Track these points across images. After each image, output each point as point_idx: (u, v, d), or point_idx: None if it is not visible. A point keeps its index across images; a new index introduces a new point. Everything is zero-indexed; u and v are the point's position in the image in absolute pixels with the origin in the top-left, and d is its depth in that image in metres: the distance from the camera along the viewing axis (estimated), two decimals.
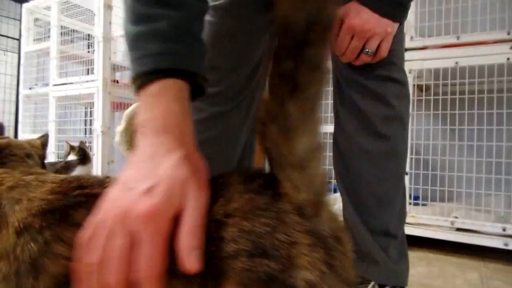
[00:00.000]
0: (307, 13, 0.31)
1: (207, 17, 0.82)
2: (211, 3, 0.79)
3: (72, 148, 1.75)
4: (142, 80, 0.42)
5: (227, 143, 0.83)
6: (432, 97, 1.40)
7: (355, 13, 0.68)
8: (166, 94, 0.41)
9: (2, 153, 0.48)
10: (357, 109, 0.78)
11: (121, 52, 2.99)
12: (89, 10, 2.85)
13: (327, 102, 1.62)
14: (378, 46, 0.70)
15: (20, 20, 3.24)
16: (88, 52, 2.71)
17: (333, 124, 0.87)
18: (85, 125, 3.04)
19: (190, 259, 0.30)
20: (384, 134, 0.78)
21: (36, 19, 2.85)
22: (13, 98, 3.83)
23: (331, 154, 1.57)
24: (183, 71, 0.43)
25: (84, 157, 1.77)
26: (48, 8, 2.70)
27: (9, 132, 3.98)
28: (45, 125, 2.82)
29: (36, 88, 2.69)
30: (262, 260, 0.29)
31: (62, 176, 0.41)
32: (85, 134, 3.00)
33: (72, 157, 1.74)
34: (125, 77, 2.77)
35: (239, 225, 0.31)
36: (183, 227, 0.32)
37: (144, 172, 0.35)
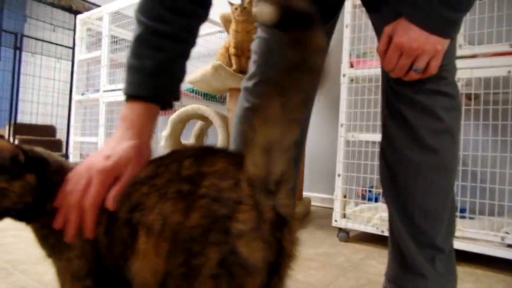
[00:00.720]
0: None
1: (261, 34, 0.87)
2: None
3: None
4: (126, 98, 0.63)
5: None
6: (481, 107, 1.35)
7: (403, 31, 0.67)
8: (134, 107, 0.62)
9: None
10: (406, 122, 0.78)
11: None
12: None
13: (370, 111, 1.62)
14: (428, 64, 0.69)
15: (74, 30, 3.48)
16: None
17: (380, 135, 0.87)
18: None
19: (108, 201, 0.52)
20: (432, 147, 0.77)
21: (88, 29, 3.05)
22: (66, 103, 4.10)
23: (371, 163, 1.57)
24: (148, 97, 0.62)
25: None
26: (100, 18, 2.88)
27: (61, 135, 4.26)
28: (95, 129, 3.00)
29: (87, 94, 2.87)
30: (218, 204, 0.43)
31: None
32: None
33: None
34: None
35: (212, 179, 0.45)
36: (115, 184, 0.53)
37: (110, 147, 0.58)
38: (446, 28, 0.67)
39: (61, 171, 0.58)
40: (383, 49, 0.72)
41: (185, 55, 0.68)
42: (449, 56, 0.73)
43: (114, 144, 0.58)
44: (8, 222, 1.78)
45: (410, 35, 0.66)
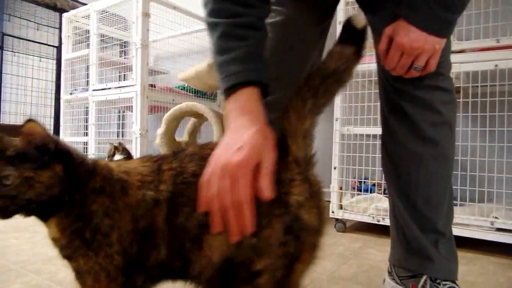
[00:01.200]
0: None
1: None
2: (268, 21, 0.86)
3: (116, 148, 1.85)
4: (228, 91, 0.63)
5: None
6: (470, 100, 1.42)
7: (404, 32, 0.72)
8: (244, 94, 0.62)
9: None
10: (406, 116, 0.83)
11: (152, 57, 3.12)
12: (123, 17, 2.98)
13: (363, 105, 1.67)
14: (427, 62, 0.74)
15: (59, 28, 3.41)
16: (125, 58, 2.84)
17: (381, 129, 0.92)
18: (118, 128, 3.18)
19: (266, 191, 0.51)
20: (433, 138, 0.82)
21: (74, 28, 3.00)
22: (50, 102, 4.01)
23: (366, 155, 1.63)
24: (255, 81, 0.63)
25: (128, 155, 1.87)
26: (86, 17, 2.84)
27: None
28: (83, 128, 2.96)
29: (76, 93, 2.83)
30: (278, 186, 0.52)
31: None
32: (117, 136, 3.14)
33: (118, 156, 1.84)
34: (157, 81, 2.88)
35: None
36: (261, 172, 0.53)
37: (235, 138, 0.56)
38: (444, 28, 0.72)
39: (83, 164, 0.55)
40: (384, 49, 0.76)
41: (264, 42, 0.70)
42: (445, 54, 0.79)
43: (238, 135, 0.56)
44: (7, 224, 1.77)
45: (410, 36, 0.71)
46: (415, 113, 0.82)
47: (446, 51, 0.79)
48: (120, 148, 1.84)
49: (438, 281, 0.82)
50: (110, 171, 0.57)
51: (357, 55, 0.60)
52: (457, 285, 0.82)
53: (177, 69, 2.97)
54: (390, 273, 0.92)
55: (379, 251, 1.37)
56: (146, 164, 0.59)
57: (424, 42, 0.71)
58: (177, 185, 0.54)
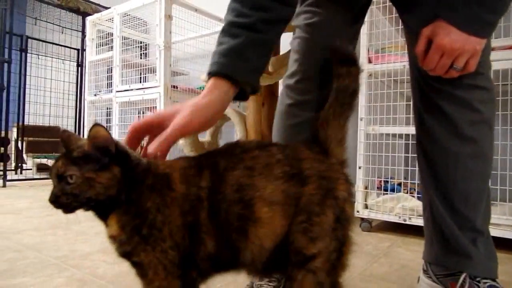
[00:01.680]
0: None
1: (302, 34, 0.92)
2: (304, 22, 0.88)
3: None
4: (209, 75, 0.69)
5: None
6: (500, 98, 1.41)
7: (444, 33, 0.72)
8: (210, 82, 0.68)
9: None
10: (444, 115, 0.83)
11: (172, 58, 3.16)
12: (143, 20, 3.04)
13: (389, 105, 1.67)
14: (467, 62, 0.74)
15: (82, 31, 3.49)
16: (147, 60, 2.89)
17: (415, 128, 0.93)
18: None
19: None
20: (471, 137, 0.82)
21: (98, 31, 3.07)
22: (72, 103, 4.11)
23: (392, 154, 1.63)
24: (222, 73, 0.68)
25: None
26: (110, 20, 2.91)
27: None
28: (110, 129, 3.02)
29: (100, 95, 2.89)
30: (325, 180, 0.59)
31: None
32: None
33: None
34: (176, 82, 2.92)
35: (311, 163, 0.60)
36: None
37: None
38: (485, 29, 0.72)
39: (140, 165, 0.57)
40: (422, 50, 0.76)
41: (260, 44, 0.73)
42: (485, 54, 0.78)
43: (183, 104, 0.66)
44: (42, 221, 1.84)
45: (451, 37, 0.71)
46: (454, 111, 0.82)
47: (487, 51, 0.79)
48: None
49: (478, 279, 0.82)
50: (157, 168, 0.59)
51: (359, 72, 0.72)
52: (497, 283, 0.82)
53: (196, 70, 3.02)
54: (425, 272, 0.92)
55: (408, 251, 1.37)
56: (186, 160, 0.61)
57: (465, 43, 0.71)
58: (214, 181, 0.57)
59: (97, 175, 0.53)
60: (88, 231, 1.51)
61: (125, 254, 0.57)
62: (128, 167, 0.56)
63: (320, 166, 0.60)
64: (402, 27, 0.92)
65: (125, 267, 0.57)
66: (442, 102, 0.83)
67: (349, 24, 0.92)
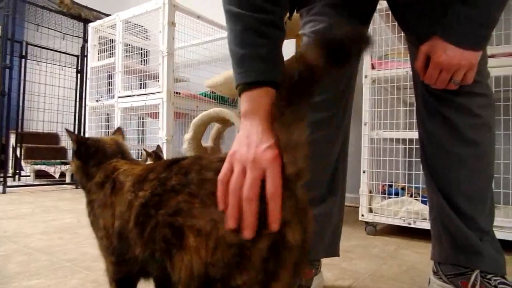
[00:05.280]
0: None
1: (308, 40, 0.94)
2: (310, 29, 0.91)
3: (149, 154, 1.90)
4: (245, 87, 0.62)
5: (328, 145, 0.93)
6: (502, 103, 1.45)
7: (441, 50, 0.76)
8: (259, 93, 0.61)
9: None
10: (446, 120, 0.87)
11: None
12: (143, 27, 3.06)
13: (392, 110, 1.70)
14: (464, 75, 0.78)
15: (83, 38, 3.51)
16: (148, 66, 2.91)
17: (417, 133, 0.96)
18: (139, 134, 3.24)
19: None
20: (473, 140, 0.86)
21: (100, 37, 3.09)
22: (70, 110, 4.10)
23: (396, 159, 1.65)
24: (271, 81, 0.61)
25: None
26: (112, 26, 2.93)
27: (67, 142, 4.26)
28: (105, 134, 3.02)
29: (102, 101, 2.90)
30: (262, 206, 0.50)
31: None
32: (138, 142, 3.20)
33: (150, 162, 1.88)
34: (177, 89, 2.93)
35: None
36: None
37: (253, 139, 0.54)
38: (479, 43, 0.76)
39: (95, 165, 0.73)
40: (422, 65, 0.81)
41: (283, 42, 0.70)
42: (482, 64, 0.82)
43: (253, 137, 0.55)
44: (49, 225, 1.84)
45: (448, 54, 0.75)
46: (455, 117, 0.86)
47: (483, 61, 0.83)
48: (152, 154, 1.89)
49: (488, 276, 0.84)
50: (115, 170, 0.69)
51: None
52: (506, 279, 0.84)
53: (197, 75, 3.04)
54: (435, 273, 0.94)
55: (415, 253, 1.39)
56: (143, 169, 0.64)
57: (461, 58, 0.75)
58: (154, 195, 0.55)
59: (72, 162, 0.76)
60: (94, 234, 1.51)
61: None
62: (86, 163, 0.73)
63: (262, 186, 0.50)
64: (403, 34, 0.97)
65: None
66: (443, 109, 0.87)
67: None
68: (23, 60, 3.65)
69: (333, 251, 1.01)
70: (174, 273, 0.51)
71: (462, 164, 0.87)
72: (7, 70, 2.93)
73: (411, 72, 1.58)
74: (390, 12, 1.37)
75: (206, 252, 0.48)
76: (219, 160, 0.55)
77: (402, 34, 1.70)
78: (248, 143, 0.54)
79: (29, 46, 3.60)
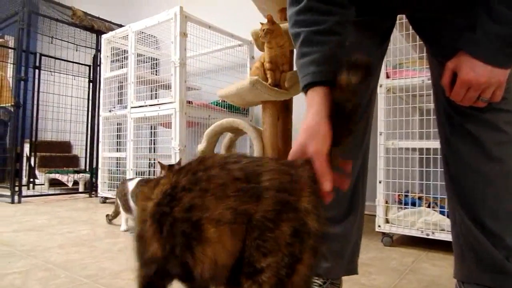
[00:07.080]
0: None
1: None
2: None
3: (163, 167, 1.91)
4: (305, 89, 0.73)
5: (354, 150, 0.93)
6: None
7: (469, 67, 0.74)
8: (318, 94, 0.71)
9: None
10: (471, 137, 0.85)
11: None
12: (154, 37, 3.09)
13: (408, 119, 1.69)
14: (493, 93, 0.76)
15: (96, 49, 3.55)
16: (158, 76, 2.93)
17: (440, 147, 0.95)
18: (150, 144, 3.27)
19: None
20: (499, 157, 0.84)
21: (112, 48, 3.12)
22: (82, 119, 4.15)
23: (413, 168, 1.63)
24: (323, 81, 0.71)
25: None
26: (124, 37, 2.96)
27: (79, 150, 4.31)
28: (116, 144, 3.05)
29: (115, 111, 2.93)
30: (284, 193, 0.56)
31: None
32: (150, 152, 3.22)
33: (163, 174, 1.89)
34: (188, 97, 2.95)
35: (272, 175, 0.57)
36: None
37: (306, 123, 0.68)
38: (509, 60, 0.74)
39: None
40: (448, 82, 0.79)
41: (343, 45, 0.77)
42: (510, 81, 0.80)
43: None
44: (64, 238, 1.86)
45: (476, 71, 0.73)
46: (481, 133, 0.84)
47: (510, 78, 0.80)
48: (166, 167, 1.91)
49: None
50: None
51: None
52: None
53: (208, 85, 3.06)
54: None
55: (434, 266, 1.36)
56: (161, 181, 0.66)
57: (490, 76, 0.73)
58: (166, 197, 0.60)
59: None
60: (111, 248, 1.53)
61: None
62: None
63: (281, 178, 0.57)
64: (418, 43, 0.95)
65: None
66: (468, 125, 0.85)
67: (376, 47, 0.95)
68: (37, 71, 3.72)
69: (352, 269, 0.99)
70: (196, 267, 0.55)
71: (488, 182, 0.85)
72: (22, 82, 2.98)
73: (426, 81, 1.59)
74: (404, 21, 1.35)
75: (232, 238, 0.54)
76: (221, 158, 0.61)
77: (417, 43, 1.71)
78: (304, 128, 0.68)
79: (42, 57, 3.67)
